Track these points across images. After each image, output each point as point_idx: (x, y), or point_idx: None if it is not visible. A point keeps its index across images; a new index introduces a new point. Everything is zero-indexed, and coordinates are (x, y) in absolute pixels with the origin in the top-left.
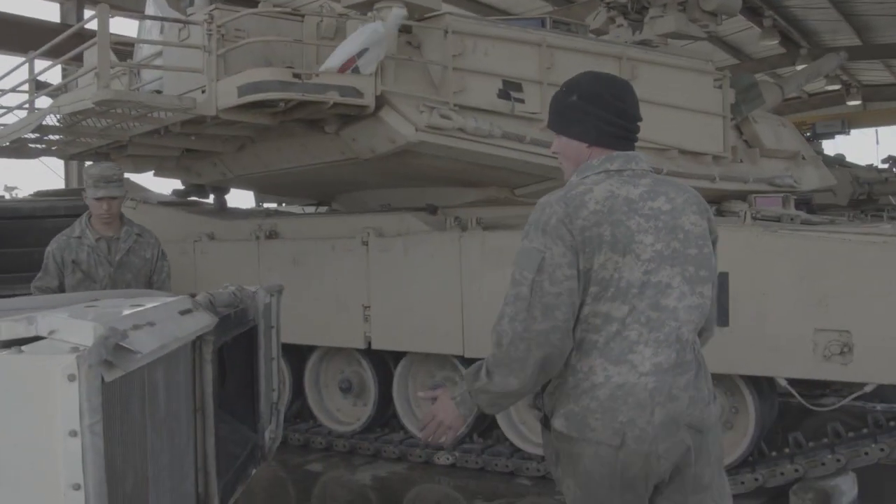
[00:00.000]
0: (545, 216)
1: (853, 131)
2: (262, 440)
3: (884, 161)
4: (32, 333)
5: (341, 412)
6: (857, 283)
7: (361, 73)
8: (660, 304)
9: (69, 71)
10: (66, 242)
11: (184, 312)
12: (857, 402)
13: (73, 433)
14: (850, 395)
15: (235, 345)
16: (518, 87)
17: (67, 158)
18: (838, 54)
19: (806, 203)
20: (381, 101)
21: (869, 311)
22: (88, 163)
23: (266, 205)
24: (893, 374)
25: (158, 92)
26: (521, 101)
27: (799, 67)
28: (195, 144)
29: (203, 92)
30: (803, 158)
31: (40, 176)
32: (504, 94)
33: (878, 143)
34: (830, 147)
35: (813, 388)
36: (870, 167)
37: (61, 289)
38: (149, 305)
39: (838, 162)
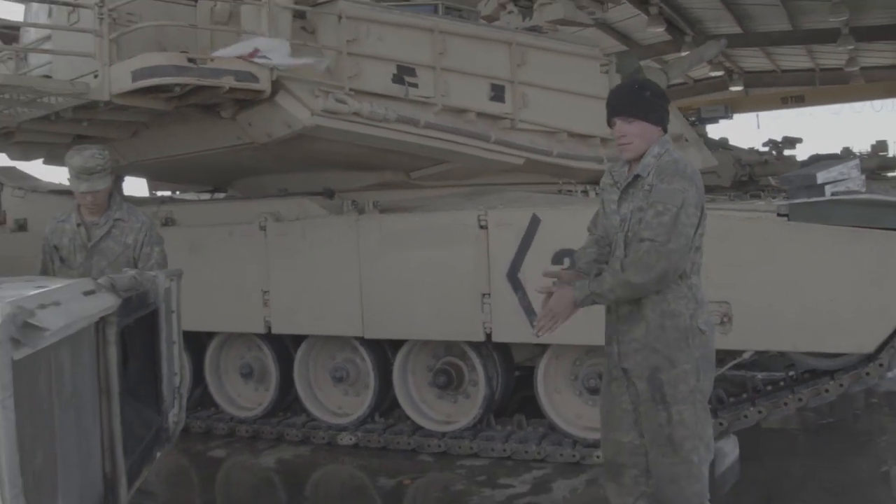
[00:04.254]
0: (682, 165)
1: (736, 116)
2: (167, 422)
3: (764, 144)
4: None
5: (243, 397)
6: (734, 255)
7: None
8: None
9: None
10: (54, 227)
11: (87, 293)
12: (741, 371)
13: None
14: (730, 362)
15: (137, 328)
16: (412, 72)
17: None
18: (719, 41)
19: None
20: (276, 86)
21: (745, 283)
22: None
23: (160, 193)
24: (769, 342)
25: (48, 77)
26: (415, 85)
27: (683, 54)
28: (88, 130)
29: (96, 77)
30: (686, 141)
31: None
32: (398, 79)
33: (758, 127)
34: (715, 131)
35: None
36: (751, 150)
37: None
38: (53, 286)
39: (722, 145)
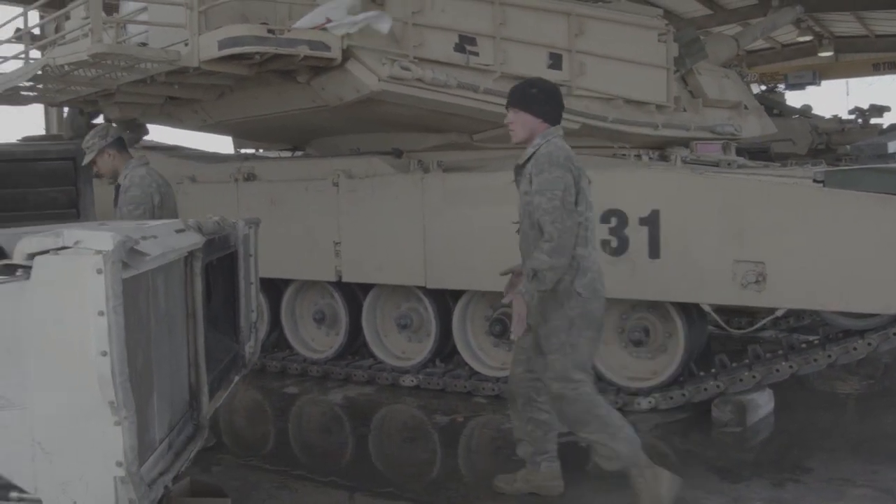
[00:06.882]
0: (555, 156)
1: (825, 82)
2: (243, 351)
3: (850, 112)
4: (60, 245)
5: (315, 341)
6: (770, 219)
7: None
8: (590, 218)
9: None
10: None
11: (178, 231)
12: (781, 333)
13: (101, 313)
14: (764, 319)
15: (219, 268)
16: (473, 42)
17: (57, 105)
18: (794, 8)
19: (764, 151)
20: (347, 54)
21: (780, 244)
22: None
23: (244, 151)
24: (801, 300)
25: (144, 44)
26: (476, 54)
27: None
28: (178, 93)
29: (186, 45)
30: (745, 108)
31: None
32: (460, 48)
33: (848, 94)
34: (802, 97)
35: (739, 315)
36: (832, 118)
37: None
38: (151, 224)
39: (802, 113)
